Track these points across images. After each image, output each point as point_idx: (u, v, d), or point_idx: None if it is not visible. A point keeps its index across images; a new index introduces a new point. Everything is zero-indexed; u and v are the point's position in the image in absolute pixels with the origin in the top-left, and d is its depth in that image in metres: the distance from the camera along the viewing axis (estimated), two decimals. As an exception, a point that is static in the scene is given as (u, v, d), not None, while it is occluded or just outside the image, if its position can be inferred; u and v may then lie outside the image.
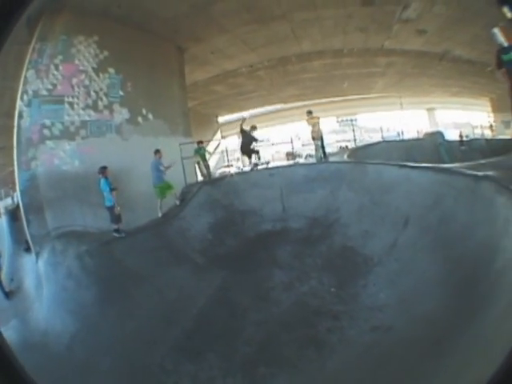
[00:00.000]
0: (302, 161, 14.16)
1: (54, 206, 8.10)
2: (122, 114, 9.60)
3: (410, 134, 23.74)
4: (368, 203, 7.94)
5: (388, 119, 25.70)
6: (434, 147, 15.66)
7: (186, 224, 9.14)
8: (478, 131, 24.05)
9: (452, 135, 18.75)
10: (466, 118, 25.31)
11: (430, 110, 28.77)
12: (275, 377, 4.32)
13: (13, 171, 8.29)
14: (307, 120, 11.68)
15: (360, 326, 4.86)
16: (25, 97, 8.12)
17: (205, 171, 11.37)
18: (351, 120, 29.32)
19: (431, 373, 2.60)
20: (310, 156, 19.42)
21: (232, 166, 16.67)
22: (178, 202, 9.45)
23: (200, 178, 11.88)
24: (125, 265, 7.19)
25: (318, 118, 11.74)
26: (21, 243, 8.34)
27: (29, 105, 8.15)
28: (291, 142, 19.32)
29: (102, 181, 7.83)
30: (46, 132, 8.35)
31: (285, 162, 15.09)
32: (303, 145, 28.85)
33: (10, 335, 5.48)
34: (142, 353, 5.17)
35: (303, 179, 9.99)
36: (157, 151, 8.91)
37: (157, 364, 4.97)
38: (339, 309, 5.52)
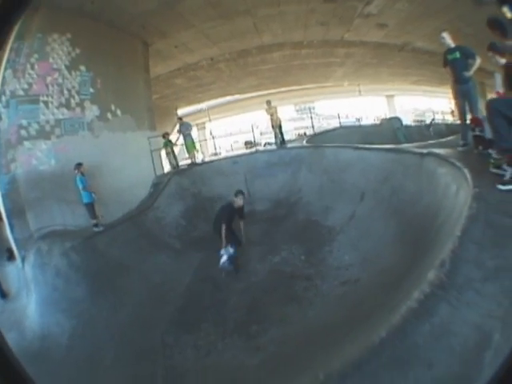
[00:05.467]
0: (261, 149, 14.75)
1: (35, 208, 8.03)
2: (92, 111, 9.66)
3: (368, 120, 24.62)
4: (327, 182, 8.85)
5: (347, 106, 26.59)
6: (391, 132, 16.83)
7: (161, 213, 9.65)
8: (439, 116, 25.50)
9: (410, 120, 19.88)
10: (427, 104, 26.50)
11: (389, 96, 30.02)
12: (267, 331, 4.92)
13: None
14: (266, 109, 12.50)
15: (331, 282, 5.64)
16: (3, 98, 8.04)
17: (174, 162, 12.03)
18: (309, 108, 30.23)
19: (393, 306, 3.05)
20: (269, 144, 20.20)
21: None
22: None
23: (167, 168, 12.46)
24: (109, 257, 7.50)
25: (276, 107, 12.61)
26: (1, 253, 7.91)
27: (7, 106, 8.06)
28: (252, 131, 20.03)
29: (78, 178, 8.01)
30: (23, 133, 8.29)
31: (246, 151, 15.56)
32: (261, 133, 29.53)
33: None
34: (142, 334, 5.58)
35: (265, 165, 10.78)
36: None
37: (158, 341, 5.40)
38: (311, 272, 6.28)
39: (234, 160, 11.53)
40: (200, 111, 24.11)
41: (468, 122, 6.01)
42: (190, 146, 12.21)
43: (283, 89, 24.83)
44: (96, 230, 8.02)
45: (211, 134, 25.42)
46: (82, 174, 8.11)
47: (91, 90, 9.73)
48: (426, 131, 17.13)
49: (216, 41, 14.39)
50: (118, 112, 10.48)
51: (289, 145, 12.92)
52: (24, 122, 8.33)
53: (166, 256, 8.08)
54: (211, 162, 12.56)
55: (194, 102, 23.42)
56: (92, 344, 5.53)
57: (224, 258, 6.85)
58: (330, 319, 4.54)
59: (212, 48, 15.14)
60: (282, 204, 9.54)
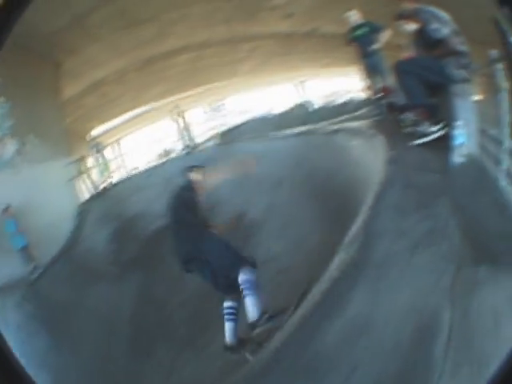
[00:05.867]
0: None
1: None
2: (13, 146, 9.18)
3: (281, 108, 24.85)
4: (243, 176, 8.62)
5: (259, 98, 26.78)
6: (304, 116, 16.27)
7: (91, 242, 9.26)
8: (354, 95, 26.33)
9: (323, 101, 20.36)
10: (342, 84, 27.14)
11: (301, 82, 30.13)
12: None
13: None
14: (172, 116, 12.66)
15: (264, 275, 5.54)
16: None
17: (92, 186, 11.56)
18: (219, 106, 30.11)
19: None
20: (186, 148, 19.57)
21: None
22: None
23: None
24: (55, 299, 7.23)
25: (183, 111, 12.63)
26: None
27: None
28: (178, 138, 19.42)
29: (6, 222, 7.60)
30: None
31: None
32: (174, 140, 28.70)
33: None
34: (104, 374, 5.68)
35: (180, 172, 10.43)
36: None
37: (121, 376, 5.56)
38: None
39: (147, 173, 11.40)
40: (114, 128, 23.22)
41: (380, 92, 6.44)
42: (102, 167, 11.75)
43: (192, 92, 24.55)
44: (34, 273, 7.69)
45: (124, 149, 24.43)
46: (11, 216, 7.67)
47: (9, 122, 9.16)
48: (341, 109, 17.55)
49: (123, 51, 13.94)
50: (36, 141, 9.88)
51: (201, 147, 12.95)
52: None
53: (106, 284, 7.95)
54: (126, 179, 12.32)
55: (106, 119, 22.32)
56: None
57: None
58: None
59: (120, 59, 14.62)
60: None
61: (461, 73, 4.06)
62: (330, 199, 5.56)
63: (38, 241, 8.26)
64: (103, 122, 22.71)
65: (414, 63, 4.21)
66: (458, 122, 3.61)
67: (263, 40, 17.05)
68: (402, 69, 4.16)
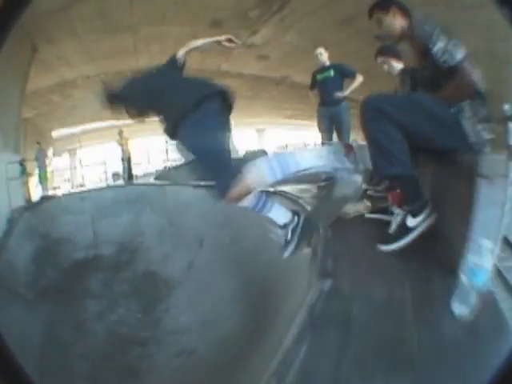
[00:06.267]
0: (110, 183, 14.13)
1: None
2: None
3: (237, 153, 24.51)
4: (167, 225, 8.60)
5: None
6: None
7: (13, 256, 8.31)
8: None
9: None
10: (300, 137, 27.20)
11: (259, 130, 30.40)
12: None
13: None
14: (117, 140, 12.19)
15: (166, 350, 5.31)
16: None
17: (27, 194, 10.94)
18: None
19: None
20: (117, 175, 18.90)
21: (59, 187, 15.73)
22: None
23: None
24: None
25: (127, 138, 12.35)
26: None
27: None
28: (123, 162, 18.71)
29: None
30: None
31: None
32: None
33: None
34: None
35: (112, 203, 10.22)
36: None
37: None
38: (146, 335, 5.91)
39: (81, 196, 10.78)
40: (72, 135, 22.36)
41: None
42: (41, 176, 11.20)
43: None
44: None
45: (80, 162, 23.58)
46: None
47: None
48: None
49: (95, 57, 13.65)
50: None
51: (137, 180, 12.60)
52: None
53: (20, 308, 7.08)
54: (62, 196, 11.52)
55: (67, 124, 21.59)
56: None
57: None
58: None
59: (90, 65, 14.29)
60: (125, 249, 9.06)
61: (483, 131, 2.32)
62: (252, 276, 5.08)
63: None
64: (65, 125, 21.90)
65: (396, 102, 2.39)
66: (477, 237, 1.86)
67: (233, 78, 16.46)
68: (375, 107, 2.33)
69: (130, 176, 11.99)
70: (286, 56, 13.87)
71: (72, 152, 26.78)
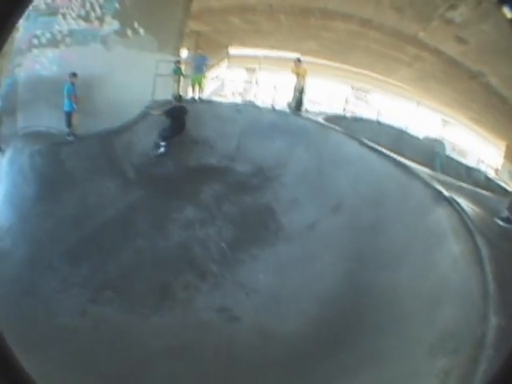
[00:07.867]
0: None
1: (27, 108, 8.69)
2: (111, 26, 9.48)
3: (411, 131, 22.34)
4: (314, 170, 7.64)
5: (397, 108, 24.10)
6: (428, 153, 14.32)
7: (135, 138, 9.09)
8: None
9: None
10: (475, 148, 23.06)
11: (444, 121, 27.26)
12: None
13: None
14: (292, 67, 11.31)
15: (211, 303, 5.13)
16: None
17: (176, 92, 10.93)
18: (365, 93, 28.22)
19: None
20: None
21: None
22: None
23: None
24: (65, 167, 7.78)
25: (306, 69, 11.31)
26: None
27: (27, 18, 8.39)
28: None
29: (67, 86, 8.21)
30: (35, 41, 8.80)
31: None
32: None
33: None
34: (45, 249, 6.07)
35: (268, 124, 9.53)
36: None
37: (47, 260, 5.90)
38: (212, 269, 5.70)
39: (238, 108, 10.40)
40: (253, 57, 23.17)
41: None
42: (195, 79, 11.43)
43: (340, 65, 23.06)
44: (68, 139, 8.40)
45: (256, 82, 24.22)
46: (73, 83, 8.27)
47: (117, 5, 9.47)
48: (462, 172, 14.80)
49: None
50: (141, 31, 10.08)
51: (303, 114, 11.13)
52: (38, 32, 8.81)
53: (113, 183, 8.01)
54: (215, 102, 11.54)
55: (248, 45, 22.34)
56: (15, 240, 6.28)
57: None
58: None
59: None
60: (260, 173, 8.52)
61: None
62: (369, 267, 4.56)
63: (97, 112, 8.86)
64: (245, 45, 22.77)
65: None
66: None
67: (429, 52, 14.55)
68: None
69: (297, 107, 11.39)
70: (486, 48, 11.26)
71: (250, 70, 27.79)
